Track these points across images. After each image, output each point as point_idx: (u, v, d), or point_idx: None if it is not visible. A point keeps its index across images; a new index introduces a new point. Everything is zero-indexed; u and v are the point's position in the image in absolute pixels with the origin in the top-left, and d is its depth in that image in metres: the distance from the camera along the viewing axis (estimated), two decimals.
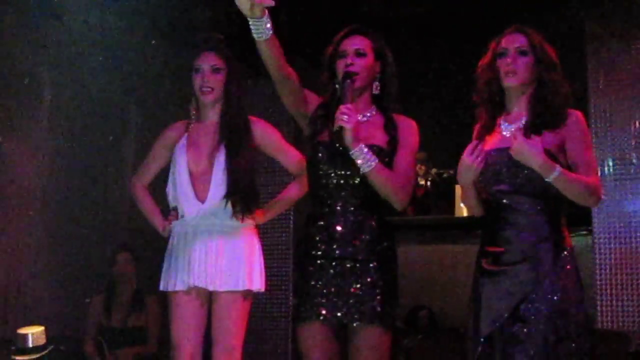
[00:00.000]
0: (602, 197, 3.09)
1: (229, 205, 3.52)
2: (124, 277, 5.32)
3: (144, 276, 5.49)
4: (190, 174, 3.57)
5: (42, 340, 3.93)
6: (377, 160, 2.97)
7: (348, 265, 3.05)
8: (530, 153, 2.84)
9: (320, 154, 3.11)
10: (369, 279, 3.04)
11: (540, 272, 2.89)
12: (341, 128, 2.92)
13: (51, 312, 5.26)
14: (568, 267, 2.94)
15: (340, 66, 3.12)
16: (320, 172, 3.12)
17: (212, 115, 3.64)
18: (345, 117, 2.91)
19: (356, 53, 3.12)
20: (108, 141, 6.00)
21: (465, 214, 7.08)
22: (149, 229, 6.16)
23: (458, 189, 7.20)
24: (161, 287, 3.64)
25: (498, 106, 3.12)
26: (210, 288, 3.52)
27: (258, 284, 3.60)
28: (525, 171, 2.92)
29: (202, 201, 3.55)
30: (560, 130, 2.98)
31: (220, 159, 3.53)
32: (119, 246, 5.48)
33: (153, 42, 6.03)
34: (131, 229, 6.07)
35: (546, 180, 2.86)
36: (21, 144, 5.25)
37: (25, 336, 3.92)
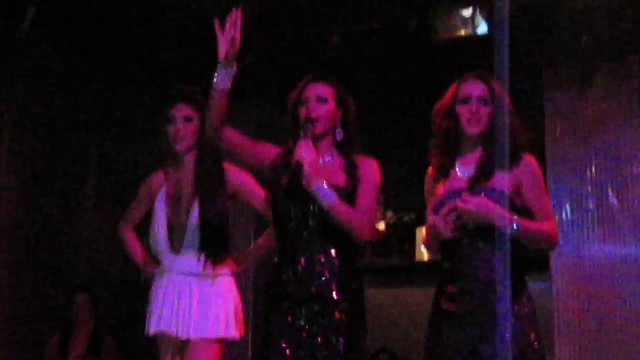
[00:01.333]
0: (559, 242, 3.13)
1: (202, 256, 3.58)
2: (82, 318, 5.24)
3: (103, 318, 5.43)
4: (169, 224, 3.64)
5: None
6: (335, 195, 2.99)
7: (314, 305, 3.04)
8: (485, 214, 2.91)
9: (281, 196, 3.13)
10: (336, 318, 3.02)
11: (499, 313, 2.90)
12: (299, 163, 2.96)
13: (6, 355, 5.16)
14: (526, 309, 2.97)
15: (302, 112, 3.15)
16: (283, 214, 3.13)
17: (188, 164, 3.70)
18: (303, 152, 2.95)
19: (318, 99, 3.15)
20: (68, 181, 5.95)
21: (425, 258, 7.13)
22: (109, 270, 6.11)
23: (419, 233, 7.25)
24: (145, 331, 3.68)
25: (453, 148, 3.15)
26: (182, 335, 3.54)
27: (232, 331, 3.61)
28: None
29: (177, 252, 3.61)
30: (514, 172, 3.02)
31: (195, 210, 3.60)
32: (77, 287, 5.41)
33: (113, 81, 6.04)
34: (91, 270, 6.01)
35: (505, 232, 2.90)
36: None
37: None
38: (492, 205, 2.90)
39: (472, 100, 3.07)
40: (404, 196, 6.12)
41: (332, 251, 3.09)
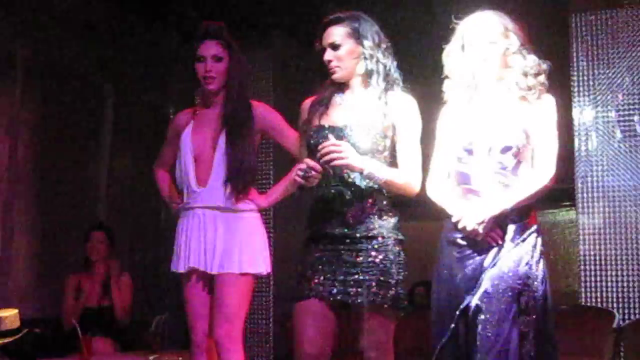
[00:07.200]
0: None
1: (228, 189, 3.59)
2: (98, 256, 5.24)
3: (120, 256, 5.43)
4: (195, 159, 3.66)
5: (16, 324, 3.85)
6: (383, 175, 2.97)
7: (348, 243, 3.02)
8: None
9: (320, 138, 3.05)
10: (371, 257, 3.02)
11: (505, 245, 2.85)
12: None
13: (26, 294, 5.20)
14: (532, 241, 2.89)
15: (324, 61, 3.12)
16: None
17: (216, 102, 3.71)
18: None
19: (331, 46, 3.11)
20: (84, 118, 5.92)
21: None
22: (126, 209, 6.11)
23: None
24: (171, 268, 3.73)
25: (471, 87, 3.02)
26: (208, 270, 3.58)
27: (258, 267, 3.63)
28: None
29: (204, 186, 3.62)
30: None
31: (221, 145, 3.61)
32: (94, 225, 5.40)
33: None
34: (109, 209, 6.02)
35: None
36: None
37: None
38: None
39: (475, 42, 2.94)
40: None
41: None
